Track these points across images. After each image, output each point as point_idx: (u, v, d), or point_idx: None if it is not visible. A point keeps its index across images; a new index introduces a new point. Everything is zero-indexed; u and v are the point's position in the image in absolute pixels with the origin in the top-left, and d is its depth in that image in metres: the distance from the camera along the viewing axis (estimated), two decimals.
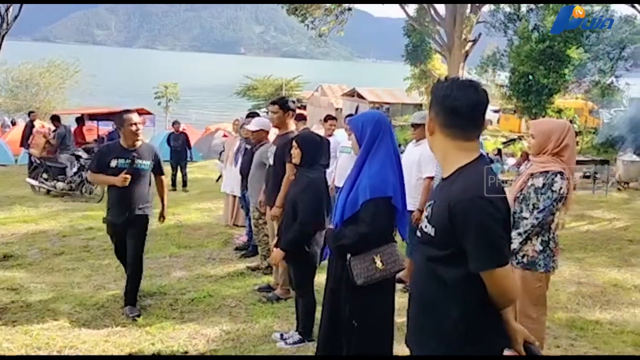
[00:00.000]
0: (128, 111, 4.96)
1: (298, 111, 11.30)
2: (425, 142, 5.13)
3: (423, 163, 5.18)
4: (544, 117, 20.00)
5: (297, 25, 24.87)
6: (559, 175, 3.53)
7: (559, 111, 20.42)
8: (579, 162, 14.53)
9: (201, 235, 7.96)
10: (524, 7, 21.21)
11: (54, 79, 40.42)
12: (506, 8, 21.83)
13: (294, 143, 4.01)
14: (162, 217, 5.36)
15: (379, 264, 2.93)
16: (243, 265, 6.38)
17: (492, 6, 22.60)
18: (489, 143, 25.19)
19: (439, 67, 25.68)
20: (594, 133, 20.90)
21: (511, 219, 2.21)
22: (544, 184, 3.55)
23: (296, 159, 4.01)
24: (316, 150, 3.98)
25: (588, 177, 14.01)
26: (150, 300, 5.11)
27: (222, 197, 9.02)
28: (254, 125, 6.10)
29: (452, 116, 2.01)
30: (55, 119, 12.97)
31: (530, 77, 18.89)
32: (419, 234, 2.13)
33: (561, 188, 3.51)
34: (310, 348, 4.04)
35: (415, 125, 5.48)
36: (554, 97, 19.78)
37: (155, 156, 4.96)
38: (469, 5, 22.59)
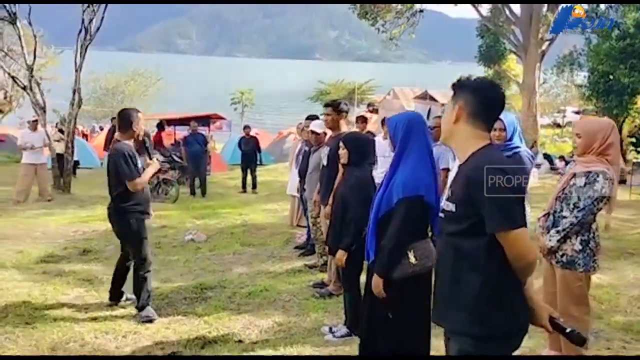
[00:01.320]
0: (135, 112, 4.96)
1: (362, 113, 11.38)
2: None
3: (441, 157, 5.44)
4: (626, 118, 19.16)
5: (371, 29, 24.86)
6: (601, 175, 3.50)
7: None
8: None
9: (264, 235, 8.26)
10: (602, 4, 20.32)
11: (137, 87, 42.69)
12: (584, 5, 20.94)
13: (340, 144, 4.18)
14: None
15: (412, 259, 3.04)
16: (301, 263, 6.60)
17: (569, 3, 21.74)
18: (567, 146, 24.33)
19: (514, 67, 25.01)
20: None
21: (527, 190, 2.35)
22: (585, 184, 3.53)
23: (344, 159, 4.18)
24: (363, 150, 4.14)
25: None
26: (210, 293, 5.41)
27: (289, 199, 9.32)
28: (317, 127, 6.31)
29: (483, 107, 2.26)
30: None
31: (611, 76, 18.06)
32: (441, 214, 2.31)
33: (603, 188, 3.49)
34: (356, 341, 4.16)
35: (431, 128, 5.73)
36: (637, 97, 18.82)
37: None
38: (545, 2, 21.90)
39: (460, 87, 2.32)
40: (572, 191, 3.59)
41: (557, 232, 3.60)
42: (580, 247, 3.58)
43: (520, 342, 2.24)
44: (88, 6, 11.80)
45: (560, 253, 3.64)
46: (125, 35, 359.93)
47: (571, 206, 3.56)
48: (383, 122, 8.23)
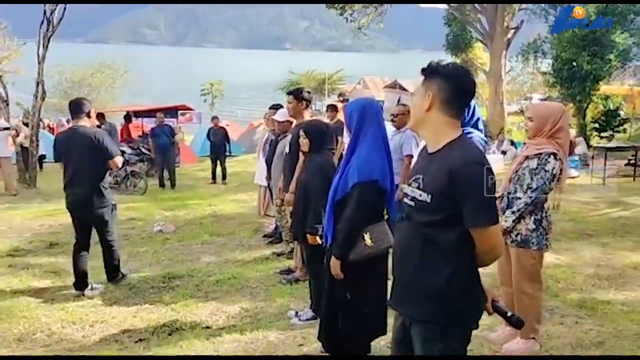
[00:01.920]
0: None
1: (334, 102, 11.45)
2: (406, 128, 5.85)
3: (404, 145, 5.87)
4: (589, 104, 19.61)
5: (342, 19, 24.89)
6: (552, 156, 3.65)
7: (606, 98, 19.90)
8: (620, 149, 14.26)
9: (233, 224, 8.32)
10: None
11: (104, 79, 42.00)
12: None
13: (301, 132, 4.26)
14: None
15: (368, 241, 3.15)
16: (269, 251, 6.68)
17: None
18: None
19: (481, 55, 25.32)
20: None
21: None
22: (537, 165, 3.68)
23: (305, 147, 4.26)
24: (322, 137, 4.22)
25: (632, 164, 13.67)
26: (178, 282, 5.47)
27: (257, 189, 9.37)
28: (279, 116, 6.38)
29: (457, 94, 2.24)
30: (99, 116, 13.61)
31: (574, 63, 18.45)
32: (410, 202, 2.30)
33: (554, 168, 3.64)
34: None
35: (395, 115, 6.14)
36: (599, 84, 19.28)
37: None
38: None
39: (432, 72, 2.27)
40: (525, 173, 3.73)
41: (513, 212, 3.73)
42: (533, 227, 3.73)
43: (478, 324, 2.34)
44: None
45: (515, 233, 3.78)
46: (92, 27, 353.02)
47: (524, 187, 3.71)
48: None
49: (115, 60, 43.72)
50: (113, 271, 5.42)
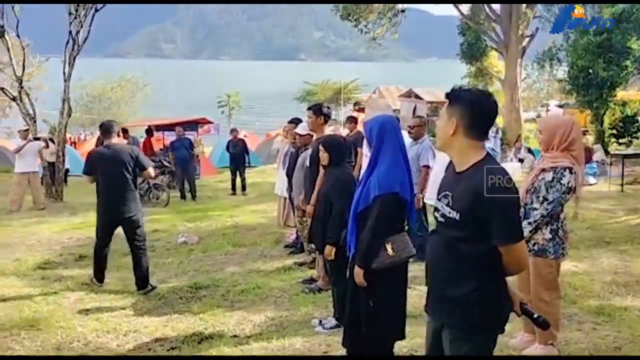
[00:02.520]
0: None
1: (352, 114, 11.61)
2: (423, 139, 6.29)
3: (421, 156, 6.19)
4: (606, 111, 19.55)
5: (356, 29, 25.13)
6: (567, 170, 3.78)
7: (623, 104, 19.83)
8: (637, 155, 14.24)
9: (255, 235, 8.51)
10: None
11: (124, 93, 42.75)
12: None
13: (320, 147, 4.45)
14: None
15: (389, 250, 3.32)
16: (291, 261, 6.86)
17: None
18: None
19: (496, 63, 25.37)
20: None
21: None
22: (553, 178, 3.81)
23: (324, 161, 4.45)
24: (340, 151, 4.42)
25: None
26: (205, 292, 5.66)
27: (277, 199, 9.56)
28: (301, 129, 6.58)
29: (478, 120, 2.41)
30: (124, 132, 13.98)
31: (590, 70, 18.43)
32: (441, 219, 2.49)
33: (569, 182, 3.77)
34: None
35: (411, 127, 6.41)
36: (616, 91, 19.23)
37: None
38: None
39: (455, 98, 2.43)
40: (541, 185, 3.86)
41: (529, 223, 3.86)
42: (550, 236, 3.86)
43: (504, 329, 2.52)
44: (75, 17, 11.96)
45: (532, 242, 3.91)
46: (111, 42, 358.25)
47: (540, 199, 3.84)
48: None
49: (134, 74, 44.51)
50: (143, 282, 5.74)
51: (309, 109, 5.83)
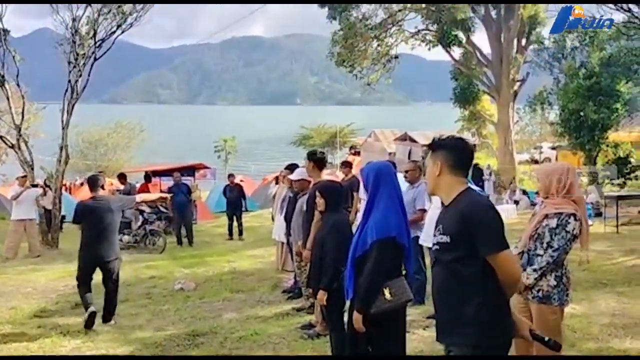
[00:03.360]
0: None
1: (347, 159, 11.76)
2: (419, 183, 6.31)
3: (417, 199, 6.30)
4: (598, 152, 19.82)
5: (351, 74, 25.63)
6: (572, 217, 3.80)
7: (615, 146, 20.12)
8: (632, 197, 14.35)
9: (252, 280, 8.49)
10: (568, 45, 21.29)
11: (120, 139, 42.91)
12: (551, 47, 21.97)
13: (317, 192, 4.53)
14: None
15: (387, 295, 3.35)
16: (289, 306, 6.82)
17: (537, 45, 22.72)
18: None
19: (489, 107, 25.81)
20: None
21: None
22: (557, 225, 3.83)
23: (321, 207, 4.51)
24: (337, 196, 4.49)
25: None
26: (202, 339, 5.62)
27: (274, 244, 9.57)
28: (295, 175, 6.67)
29: (460, 160, 2.83)
30: (121, 177, 14.06)
31: (581, 113, 18.81)
32: (435, 247, 2.80)
33: (574, 229, 3.78)
34: None
35: (406, 171, 6.55)
36: (607, 132, 19.57)
37: None
38: (515, 46, 22.83)
39: (438, 146, 2.85)
40: (545, 231, 3.87)
41: (534, 270, 3.86)
42: (554, 283, 3.85)
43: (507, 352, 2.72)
44: (74, 67, 12.19)
45: (537, 289, 3.89)
46: (106, 88, 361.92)
47: (544, 245, 3.85)
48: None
49: (130, 120, 44.83)
50: (110, 315, 6.38)
51: (307, 155, 5.98)
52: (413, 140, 33.96)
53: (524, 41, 23.17)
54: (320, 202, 4.53)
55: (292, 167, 8.28)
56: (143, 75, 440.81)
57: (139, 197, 6.95)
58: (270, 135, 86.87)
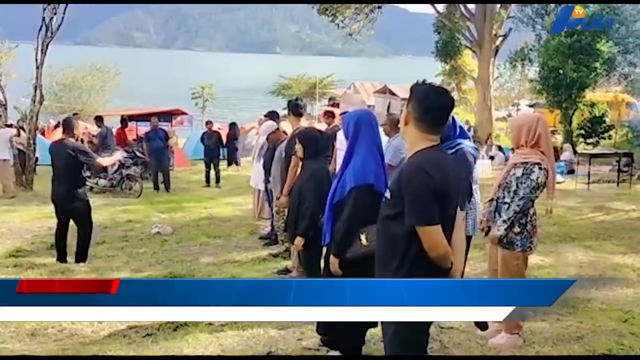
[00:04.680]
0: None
1: (329, 109, 11.71)
2: (394, 137, 6.01)
3: (387, 153, 5.91)
4: (575, 111, 20.02)
5: (332, 24, 25.26)
6: (537, 166, 3.94)
7: (592, 105, 20.32)
8: (604, 155, 14.65)
9: (230, 227, 8.56)
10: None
11: (95, 82, 41.89)
12: (534, 4, 21.82)
13: (296, 139, 4.53)
14: None
15: (364, 240, 3.42)
16: (266, 252, 6.94)
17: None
18: None
19: (469, 62, 25.73)
20: (628, 126, 20.70)
21: (456, 193, 2.70)
22: (522, 174, 3.97)
23: (299, 153, 4.53)
24: (315, 144, 4.49)
25: (617, 170, 14.02)
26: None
27: (252, 192, 9.61)
28: (262, 134, 6.82)
29: (425, 114, 2.60)
30: (98, 120, 13.82)
31: (560, 71, 18.86)
32: (383, 199, 2.72)
33: (538, 177, 3.93)
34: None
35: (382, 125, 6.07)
36: (585, 92, 19.71)
37: None
38: None
39: (411, 92, 2.66)
40: (511, 180, 4.02)
41: (504, 221, 4.00)
42: (518, 230, 4.01)
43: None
44: (48, 4, 11.78)
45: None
46: (81, 29, 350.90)
47: (511, 194, 3.99)
48: None
49: (105, 63, 43.73)
50: (82, 254, 6.56)
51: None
52: (393, 94, 33.93)
53: None
54: (298, 148, 4.54)
55: (272, 114, 8.28)
56: (119, 17, 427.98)
57: (99, 160, 6.77)
58: (248, 83, 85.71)
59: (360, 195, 3.45)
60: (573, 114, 19.94)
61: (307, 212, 4.32)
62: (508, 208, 4.00)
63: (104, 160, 6.88)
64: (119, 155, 7.20)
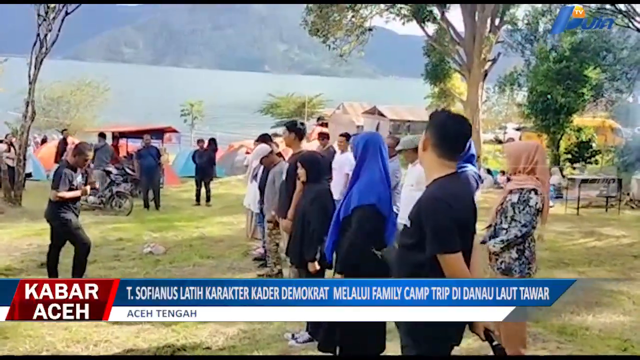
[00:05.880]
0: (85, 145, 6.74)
1: (322, 130, 11.70)
2: (392, 160, 5.79)
3: (422, 180, 5.65)
4: (562, 135, 20.28)
5: (320, 43, 25.47)
6: (533, 192, 3.99)
7: (579, 130, 20.62)
8: (591, 181, 14.79)
9: (222, 247, 8.49)
10: (541, 28, 21.55)
11: (84, 97, 41.64)
12: (524, 29, 22.21)
13: (298, 163, 4.55)
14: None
15: (368, 259, 3.46)
16: (260, 273, 6.87)
17: (510, 26, 22.96)
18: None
19: (459, 85, 26.01)
20: (614, 152, 21.00)
21: (473, 221, 2.72)
22: (519, 200, 4.01)
23: (302, 177, 4.55)
24: (318, 168, 4.53)
25: (605, 196, 14.15)
26: None
27: (244, 212, 9.54)
28: (254, 159, 6.86)
29: (443, 141, 2.62)
30: (101, 136, 13.71)
31: (548, 96, 19.15)
32: (401, 228, 2.75)
33: (537, 203, 3.98)
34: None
35: (400, 151, 6.04)
36: (573, 116, 20.01)
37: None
38: (488, 25, 22.96)
39: (430, 118, 2.72)
40: (507, 206, 4.06)
41: (502, 241, 4.03)
42: (516, 255, 4.03)
43: (458, 341, 2.61)
44: (44, 20, 11.74)
45: (499, 261, 4.08)
46: (70, 44, 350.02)
47: (508, 219, 4.02)
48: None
49: (94, 78, 43.54)
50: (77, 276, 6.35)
51: (285, 125, 6.00)
52: (382, 115, 34.15)
53: (497, 21, 23.32)
54: (301, 172, 4.56)
55: (264, 137, 8.29)
56: (108, 33, 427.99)
57: (60, 194, 6.24)
58: (237, 101, 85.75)
59: (364, 214, 3.52)
60: (560, 138, 20.21)
61: (313, 236, 4.31)
62: (506, 233, 4.03)
63: (62, 193, 6.27)
64: (84, 190, 6.63)
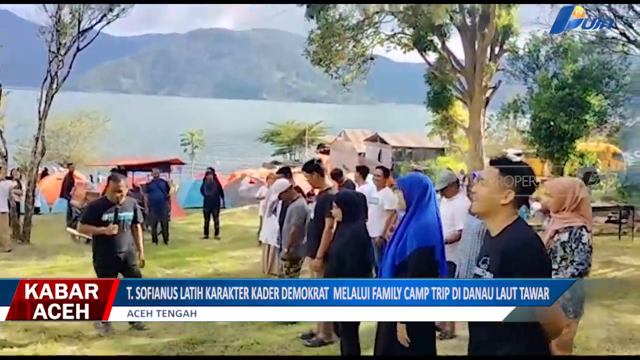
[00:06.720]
0: (117, 176, 6.42)
1: (336, 169, 11.54)
2: (457, 198, 5.79)
3: (456, 217, 5.57)
4: (566, 162, 20.29)
5: (319, 71, 25.71)
6: (584, 229, 3.90)
7: (582, 155, 20.66)
8: (603, 209, 14.72)
9: None
10: (542, 56, 21.75)
11: (83, 129, 41.63)
12: (525, 57, 22.43)
13: (334, 203, 4.48)
14: (140, 260, 6.54)
15: None
16: None
17: (511, 54, 23.21)
18: None
19: (461, 112, 26.13)
20: (617, 177, 21.00)
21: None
22: (569, 238, 3.91)
23: (338, 217, 4.47)
24: (356, 207, 4.46)
25: (614, 221, 14.07)
26: (202, 348, 5.47)
27: (255, 246, 9.43)
28: (274, 194, 7.02)
29: (529, 190, 2.55)
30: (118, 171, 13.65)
31: (552, 123, 19.22)
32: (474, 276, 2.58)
33: (589, 240, 3.89)
34: None
35: (441, 190, 5.80)
36: (576, 142, 20.06)
37: (134, 209, 6.25)
38: (488, 53, 23.19)
39: (512, 170, 2.54)
40: (557, 246, 3.96)
41: None
42: (569, 295, 3.91)
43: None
44: (55, 56, 11.76)
45: None
46: (69, 75, 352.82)
47: (558, 259, 3.92)
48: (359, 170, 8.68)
49: (94, 108, 43.57)
50: None
51: (304, 169, 6.06)
52: (383, 142, 34.26)
53: (497, 49, 23.56)
54: (337, 212, 4.49)
55: (284, 171, 8.25)
56: (106, 64, 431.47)
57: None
58: (236, 129, 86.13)
59: (423, 256, 3.45)
60: (564, 164, 20.22)
61: (350, 275, 4.22)
62: (556, 274, 3.93)
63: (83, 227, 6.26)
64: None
